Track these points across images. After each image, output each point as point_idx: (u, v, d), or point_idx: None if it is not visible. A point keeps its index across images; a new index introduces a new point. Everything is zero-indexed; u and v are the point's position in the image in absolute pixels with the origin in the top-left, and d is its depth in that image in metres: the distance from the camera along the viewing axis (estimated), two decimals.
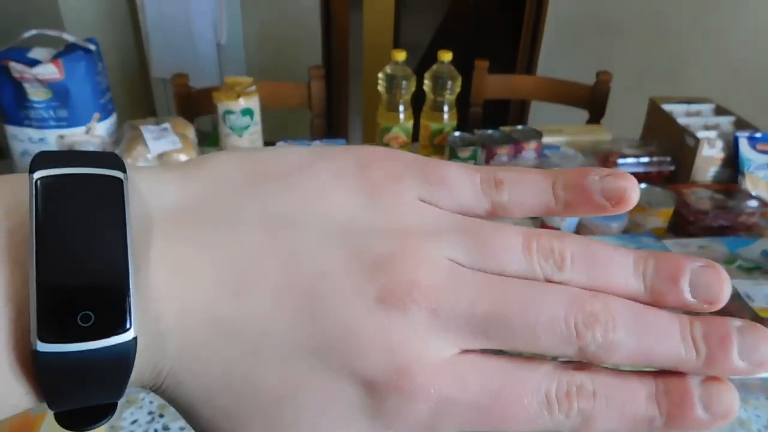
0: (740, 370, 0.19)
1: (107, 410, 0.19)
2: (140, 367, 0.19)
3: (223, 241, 0.19)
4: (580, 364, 0.20)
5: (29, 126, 1.30)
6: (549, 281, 0.20)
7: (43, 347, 0.17)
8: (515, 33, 2.94)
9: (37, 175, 0.18)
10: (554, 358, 0.20)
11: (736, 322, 0.19)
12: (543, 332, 0.19)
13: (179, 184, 0.20)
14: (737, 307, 0.83)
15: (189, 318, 0.19)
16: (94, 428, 0.19)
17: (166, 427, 0.80)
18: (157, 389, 0.20)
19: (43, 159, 0.19)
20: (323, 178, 0.21)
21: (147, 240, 0.19)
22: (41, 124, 1.30)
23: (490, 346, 0.19)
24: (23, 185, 0.18)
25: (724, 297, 0.20)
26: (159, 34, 2.70)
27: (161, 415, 0.81)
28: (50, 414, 0.79)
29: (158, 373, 0.19)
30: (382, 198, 0.21)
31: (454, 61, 1.41)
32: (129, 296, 0.17)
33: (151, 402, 0.83)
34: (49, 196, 0.18)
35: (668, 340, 0.19)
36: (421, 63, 2.94)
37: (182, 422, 0.80)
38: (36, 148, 1.32)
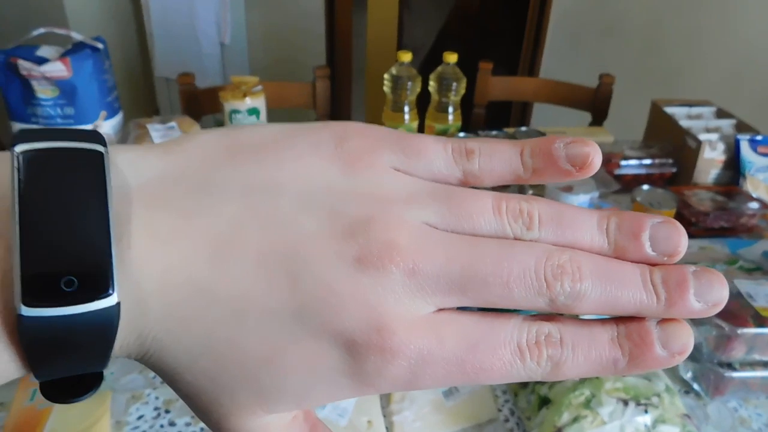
0: (697, 310, 0.20)
1: (93, 382, 0.20)
2: (124, 335, 0.19)
3: (203, 208, 0.20)
4: (547, 315, 0.21)
5: (36, 123, 1.30)
6: (519, 240, 0.21)
7: (27, 311, 0.17)
8: (518, 35, 2.95)
9: (19, 148, 0.19)
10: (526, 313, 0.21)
11: (691, 268, 0.21)
12: (515, 285, 0.20)
13: (160, 158, 0.21)
14: (739, 306, 0.84)
15: (170, 283, 0.19)
16: (80, 400, 0.20)
17: (172, 423, 0.80)
18: (141, 357, 0.20)
19: (25, 134, 0.19)
20: (301, 149, 0.22)
21: (127, 210, 0.19)
22: (48, 121, 1.30)
23: (466, 303, 0.20)
24: (4, 161, 0.19)
25: (682, 249, 0.21)
26: (163, 34, 2.71)
27: (167, 411, 0.82)
28: (56, 408, 0.80)
29: (143, 341, 0.19)
30: (358, 167, 0.21)
31: (457, 63, 1.42)
32: (111, 262, 0.18)
33: (157, 398, 0.83)
34: (30, 168, 0.18)
35: (631, 287, 0.20)
36: (425, 64, 2.95)
37: (188, 417, 0.81)
38: None
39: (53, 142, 0.19)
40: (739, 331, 0.81)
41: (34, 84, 1.26)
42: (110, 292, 0.18)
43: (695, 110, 1.49)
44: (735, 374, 0.84)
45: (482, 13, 3.47)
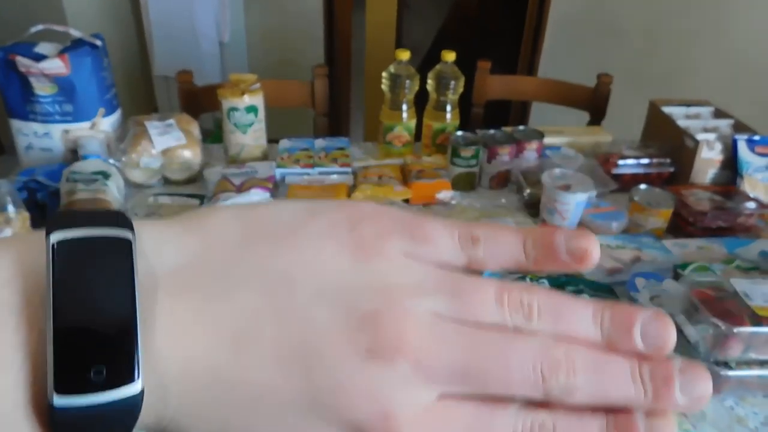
0: (681, 404, 0.22)
1: None
2: (144, 415, 0.20)
3: (223, 299, 0.21)
4: (542, 404, 0.22)
5: (34, 120, 1.31)
6: (518, 330, 0.22)
7: (59, 401, 0.18)
8: (517, 34, 2.95)
9: (54, 238, 0.20)
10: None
11: (678, 364, 0.22)
12: (514, 379, 0.21)
13: (179, 242, 0.22)
14: (735, 304, 0.84)
15: (191, 370, 0.20)
16: None
17: None
18: None
19: (59, 220, 0.20)
20: (316, 237, 0.23)
21: (152, 298, 0.20)
22: (46, 118, 1.30)
23: (467, 392, 0.22)
24: (38, 245, 0.20)
25: (671, 344, 0.22)
26: (161, 32, 2.71)
27: None
28: None
29: (160, 421, 0.20)
30: (370, 256, 0.23)
31: (455, 62, 1.42)
32: (137, 351, 0.19)
33: None
34: (64, 258, 0.20)
35: (620, 381, 0.22)
36: (424, 63, 2.95)
37: None
38: (41, 143, 1.33)
39: (85, 230, 0.20)
40: (736, 330, 0.81)
41: (33, 81, 1.26)
42: (135, 378, 0.19)
43: (693, 110, 1.49)
44: (732, 373, 0.84)
45: (481, 13, 3.47)
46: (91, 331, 0.19)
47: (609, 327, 0.23)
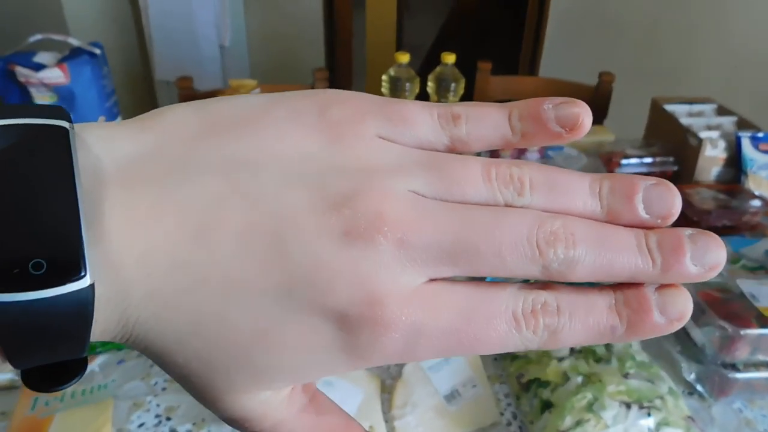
0: (693, 274, 0.20)
1: (76, 370, 0.19)
2: (105, 319, 0.18)
3: (181, 187, 0.19)
4: (542, 284, 0.21)
5: None
6: (510, 206, 0.20)
7: None
8: (518, 33, 2.94)
9: None
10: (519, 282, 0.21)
11: (687, 231, 0.20)
12: (508, 254, 0.19)
13: (132, 136, 0.20)
14: (742, 306, 0.83)
15: (151, 265, 0.18)
16: (63, 388, 0.19)
17: (173, 430, 0.80)
18: (126, 340, 0.19)
19: None
20: (281, 121, 0.21)
21: (99, 190, 0.18)
22: None
23: (458, 273, 0.20)
24: None
25: (676, 210, 0.21)
26: (162, 37, 2.71)
27: (168, 418, 0.82)
28: (58, 417, 0.80)
29: (125, 323, 0.19)
30: (342, 137, 0.21)
31: (456, 63, 1.42)
32: (82, 243, 0.17)
33: (158, 405, 0.83)
34: None
35: (625, 252, 0.20)
36: (424, 64, 2.95)
37: (189, 425, 0.80)
38: None
39: (14, 119, 0.18)
40: (743, 332, 0.81)
41: (33, 91, 1.26)
42: (82, 274, 0.17)
43: (696, 108, 1.48)
44: (739, 375, 0.84)
45: (481, 12, 3.46)
46: (26, 222, 0.17)
47: (608, 197, 0.21)
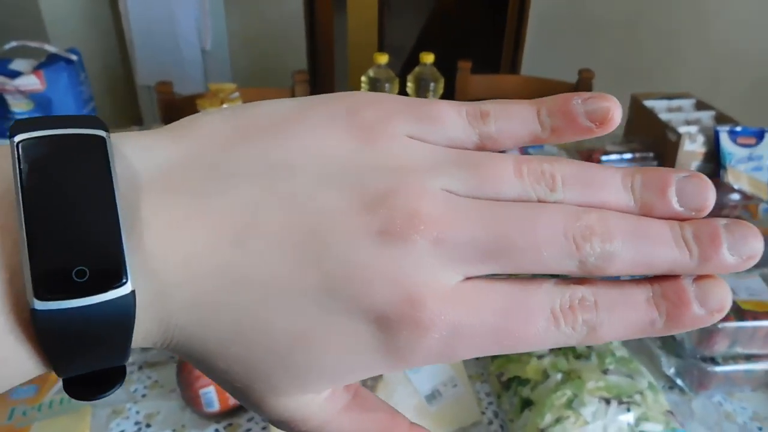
0: (731, 265, 0.20)
1: (116, 377, 0.19)
2: (146, 325, 0.19)
3: (218, 192, 0.19)
4: (579, 279, 0.20)
5: None
6: (543, 202, 0.20)
7: (40, 305, 0.17)
8: (499, 33, 2.95)
9: (18, 138, 0.18)
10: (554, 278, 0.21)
11: (722, 221, 0.20)
12: (545, 249, 0.19)
13: (167, 144, 0.20)
14: None
15: (191, 270, 0.18)
16: (105, 396, 0.19)
17: None
18: (167, 346, 0.20)
19: (23, 124, 0.19)
20: (314, 124, 0.21)
21: (136, 198, 0.19)
22: None
23: (495, 270, 0.20)
24: (5, 155, 0.18)
25: (710, 203, 0.20)
26: (143, 42, 2.69)
27: (148, 425, 0.81)
28: (34, 426, 0.79)
29: (166, 329, 0.19)
30: (374, 138, 0.21)
31: (439, 62, 1.42)
32: (122, 250, 0.17)
33: (137, 412, 0.82)
34: (31, 158, 0.18)
35: (662, 244, 0.20)
36: (406, 65, 2.95)
37: (169, 431, 0.80)
38: None
39: (53, 130, 0.18)
40: (721, 325, 0.81)
41: (9, 98, 1.24)
42: (123, 280, 0.17)
43: (675, 103, 1.49)
44: (718, 369, 0.84)
45: (462, 13, 3.47)
46: (68, 231, 0.17)
47: (641, 190, 0.20)
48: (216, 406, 0.80)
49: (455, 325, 0.19)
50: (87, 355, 0.18)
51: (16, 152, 0.18)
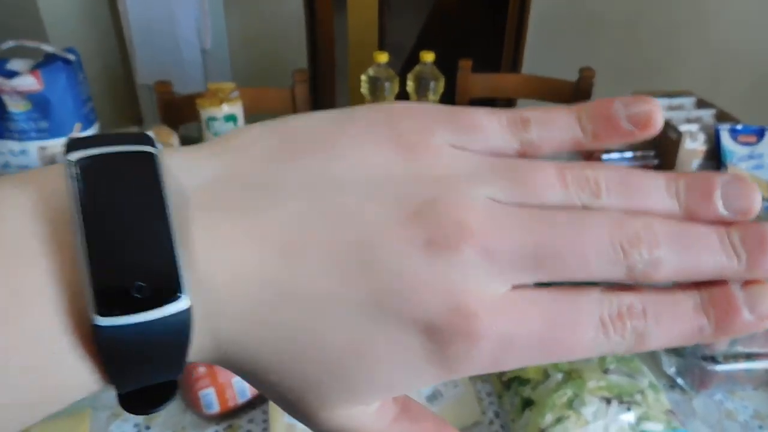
0: None
1: (169, 391, 0.20)
2: (199, 339, 0.19)
3: (265, 207, 0.19)
4: (625, 286, 0.20)
5: (10, 138, 1.29)
6: (587, 208, 0.20)
7: (102, 321, 0.17)
8: (499, 32, 2.94)
9: (73, 157, 0.18)
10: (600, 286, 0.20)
11: None
12: (592, 257, 0.19)
13: (210, 160, 0.21)
14: None
15: (241, 285, 0.19)
16: (158, 410, 0.20)
17: None
18: (219, 360, 0.20)
19: (76, 143, 0.19)
20: (356, 137, 0.21)
21: (186, 214, 0.19)
22: (22, 136, 1.29)
23: (542, 279, 0.19)
24: (56, 172, 0.19)
25: (757, 205, 0.20)
26: (143, 41, 2.69)
27: (147, 427, 0.81)
28: (33, 428, 0.79)
29: (218, 344, 0.19)
30: (416, 149, 0.21)
31: (439, 61, 1.41)
32: (178, 265, 0.18)
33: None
34: (87, 176, 0.18)
35: (709, 250, 0.19)
36: (407, 64, 2.95)
37: None
38: (18, 161, 1.31)
39: (105, 147, 0.19)
40: None
41: (6, 98, 1.24)
42: (180, 295, 0.18)
43: (675, 101, 1.49)
44: (719, 368, 0.84)
45: (463, 12, 3.46)
46: (126, 248, 0.17)
47: (686, 195, 0.20)
48: (216, 408, 0.80)
49: (505, 335, 0.19)
50: (145, 370, 0.18)
51: (72, 171, 0.18)
